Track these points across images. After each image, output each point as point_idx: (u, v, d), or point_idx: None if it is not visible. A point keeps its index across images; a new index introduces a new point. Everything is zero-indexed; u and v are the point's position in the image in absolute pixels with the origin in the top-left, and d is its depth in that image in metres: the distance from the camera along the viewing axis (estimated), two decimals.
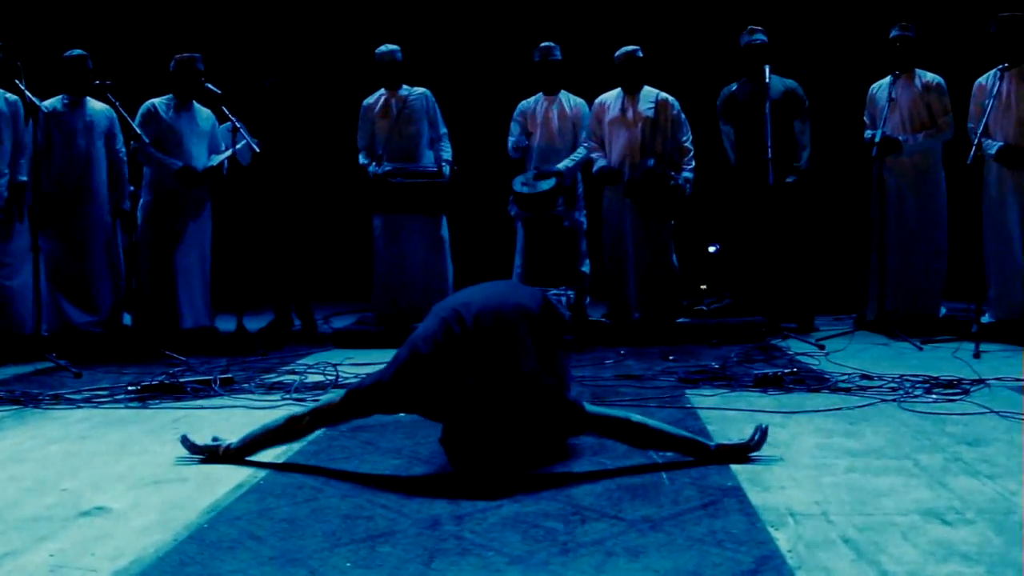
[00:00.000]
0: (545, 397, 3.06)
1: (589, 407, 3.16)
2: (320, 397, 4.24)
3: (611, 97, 6.69)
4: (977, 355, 5.36)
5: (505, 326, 3.10)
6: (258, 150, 6.22)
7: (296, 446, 3.47)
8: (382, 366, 3.19)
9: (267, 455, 3.35)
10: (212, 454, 3.34)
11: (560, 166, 6.67)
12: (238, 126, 6.23)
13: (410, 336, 3.18)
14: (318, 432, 3.57)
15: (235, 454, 3.32)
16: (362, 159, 6.86)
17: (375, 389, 3.13)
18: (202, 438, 3.42)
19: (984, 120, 5.94)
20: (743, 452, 3.23)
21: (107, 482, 3.12)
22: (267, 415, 4.08)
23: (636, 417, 3.20)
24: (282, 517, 2.70)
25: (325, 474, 3.15)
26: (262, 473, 3.16)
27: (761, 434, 3.26)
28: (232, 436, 3.38)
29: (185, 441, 3.39)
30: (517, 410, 3.01)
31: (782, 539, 2.43)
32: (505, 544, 2.44)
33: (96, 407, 4.39)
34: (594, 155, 6.69)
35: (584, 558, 2.34)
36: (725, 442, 3.27)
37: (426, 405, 3.13)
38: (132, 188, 6.65)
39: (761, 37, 6.67)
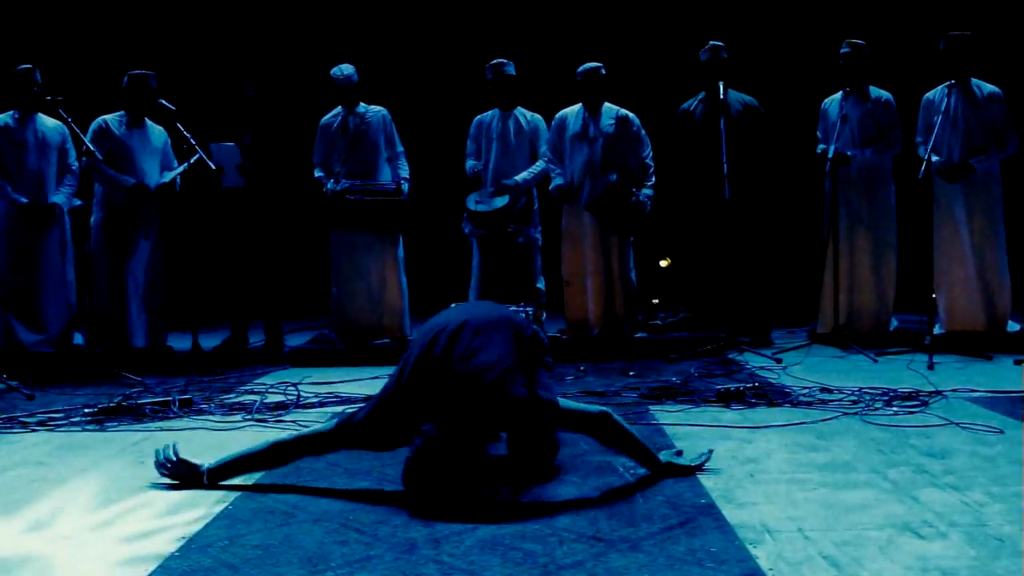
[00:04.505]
0: (515, 403, 2.98)
1: (563, 403, 3.13)
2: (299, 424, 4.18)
3: (572, 112, 6.70)
4: (931, 367, 5.45)
5: (487, 333, 3.10)
6: (213, 167, 6.14)
7: None
8: (374, 395, 3.17)
9: (236, 479, 3.29)
10: (186, 474, 3.24)
11: (518, 178, 6.68)
12: (195, 145, 6.15)
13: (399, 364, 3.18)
14: None
15: (209, 477, 3.22)
16: (317, 172, 6.81)
17: (365, 424, 3.11)
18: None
19: (933, 136, 6.05)
20: (689, 471, 3.29)
21: (71, 509, 3.03)
22: (230, 436, 4.05)
23: (614, 415, 3.22)
24: (255, 544, 2.65)
25: (294, 498, 3.09)
26: (230, 498, 3.09)
27: (707, 458, 3.36)
28: (200, 458, 3.30)
29: (166, 453, 3.27)
30: (484, 418, 2.98)
31: (762, 557, 2.44)
32: (486, 568, 2.41)
33: (52, 431, 4.27)
34: (552, 171, 6.70)
35: None
36: (674, 460, 3.31)
37: (408, 436, 3.04)
38: (82, 203, 6.52)
39: (721, 53, 6.73)
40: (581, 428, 3.24)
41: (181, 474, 3.26)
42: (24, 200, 6.18)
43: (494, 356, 3.03)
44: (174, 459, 3.26)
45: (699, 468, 3.33)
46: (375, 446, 3.22)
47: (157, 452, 3.31)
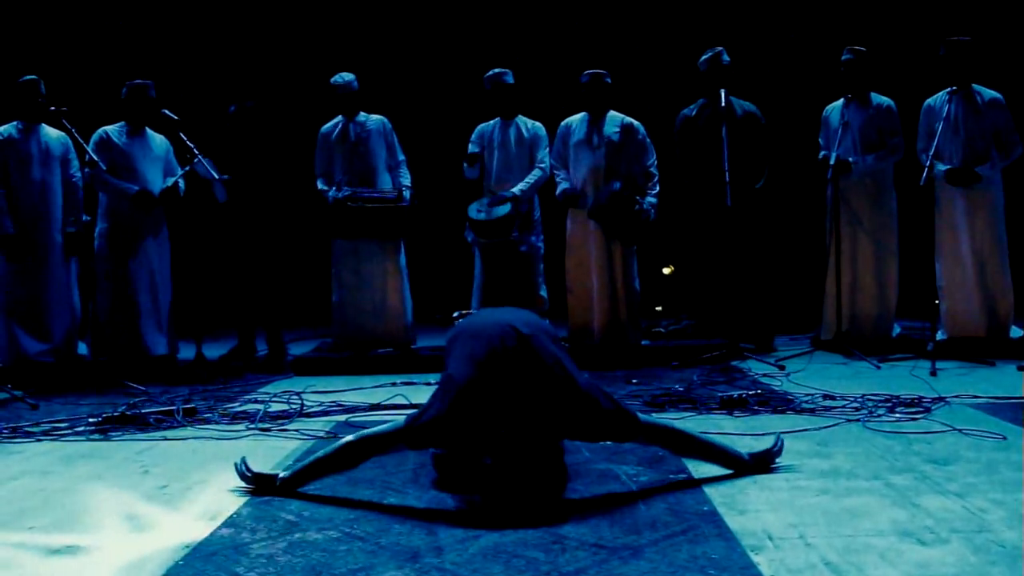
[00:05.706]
0: (603, 410, 3.07)
1: (642, 416, 3.22)
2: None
3: (576, 120, 6.73)
4: (934, 373, 5.46)
5: (550, 342, 3.14)
6: (217, 177, 6.16)
7: None
8: (434, 394, 3.11)
9: (241, 486, 3.30)
10: (265, 484, 3.26)
11: (515, 189, 6.68)
12: (196, 153, 6.17)
13: (453, 360, 3.15)
14: (288, 463, 3.53)
15: (287, 485, 3.24)
16: (321, 184, 6.83)
17: (442, 421, 3.02)
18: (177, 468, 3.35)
19: (935, 142, 6.06)
20: (769, 458, 3.41)
21: (75, 519, 3.04)
22: (233, 445, 4.05)
23: (680, 427, 3.37)
24: (259, 552, 2.65)
25: (298, 506, 3.09)
26: (234, 507, 3.11)
27: (781, 443, 3.48)
28: (204, 467, 3.33)
29: (240, 468, 3.31)
30: (572, 423, 3.06)
31: (763, 564, 2.44)
32: None
33: (57, 440, 4.29)
34: (557, 176, 6.72)
35: None
36: (754, 452, 3.42)
37: (481, 434, 3.01)
38: (87, 218, 6.54)
39: (723, 58, 6.75)
40: (658, 440, 3.33)
41: (257, 484, 3.28)
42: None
43: (573, 365, 3.13)
44: (248, 474, 3.29)
45: (778, 453, 3.43)
46: (448, 444, 3.20)
47: (236, 464, 3.34)
